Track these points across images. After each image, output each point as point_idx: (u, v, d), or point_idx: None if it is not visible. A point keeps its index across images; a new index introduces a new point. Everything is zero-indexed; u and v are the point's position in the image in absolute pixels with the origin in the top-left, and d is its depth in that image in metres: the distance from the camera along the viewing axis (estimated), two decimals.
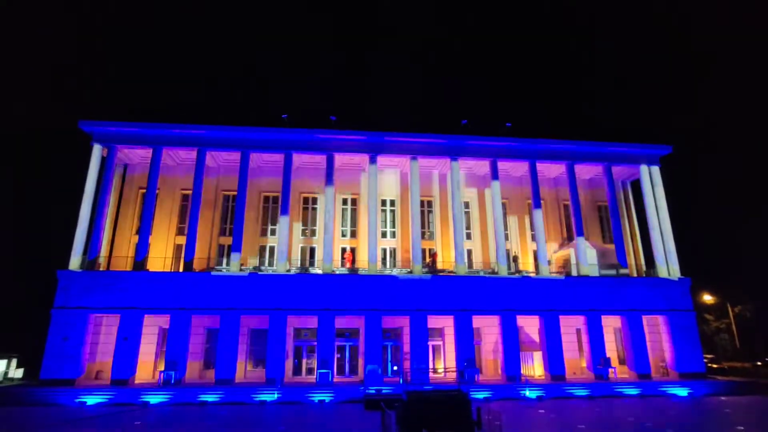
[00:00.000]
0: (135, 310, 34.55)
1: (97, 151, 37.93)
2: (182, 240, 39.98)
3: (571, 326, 40.34)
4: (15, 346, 41.77)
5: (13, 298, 51.86)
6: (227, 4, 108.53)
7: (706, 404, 30.28)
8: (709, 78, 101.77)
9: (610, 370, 36.38)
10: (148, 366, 36.61)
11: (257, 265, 39.53)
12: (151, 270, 36.82)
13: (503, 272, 38.78)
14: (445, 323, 39.65)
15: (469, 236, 43.33)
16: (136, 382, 34.61)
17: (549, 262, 40.56)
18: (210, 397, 31.28)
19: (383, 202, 43.70)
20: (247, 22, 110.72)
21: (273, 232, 41.95)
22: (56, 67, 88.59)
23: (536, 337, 40.48)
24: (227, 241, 40.85)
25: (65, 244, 36.12)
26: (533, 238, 42.33)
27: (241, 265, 37.71)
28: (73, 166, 41.78)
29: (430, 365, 38.05)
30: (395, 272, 38.84)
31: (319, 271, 37.79)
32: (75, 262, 35.29)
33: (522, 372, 36.61)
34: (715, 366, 42.17)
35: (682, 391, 34.37)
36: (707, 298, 52.94)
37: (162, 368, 34.98)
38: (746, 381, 36.99)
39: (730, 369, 42.50)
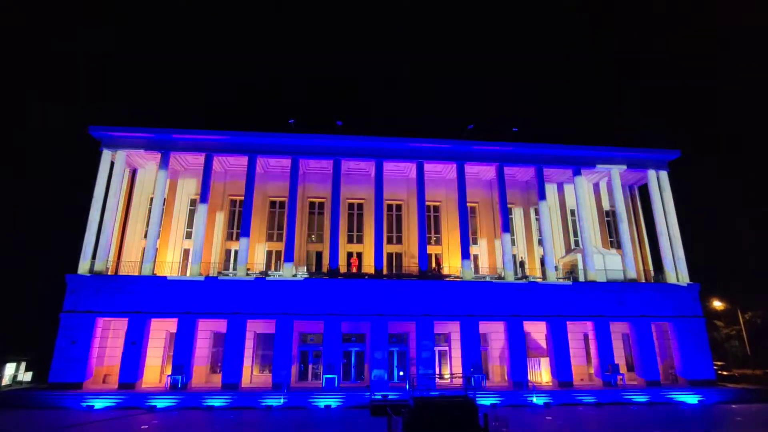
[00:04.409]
0: (142, 314, 34.75)
1: (106, 156, 38.32)
2: (190, 244, 40.25)
3: (579, 332, 40.04)
4: (24, 350, 42.11)
5: (22, 302, 52.33)
6: (233, 8, 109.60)
7: (717, 412, 29.89)
8: (719, 81, 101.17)
9: (619, 376, 36.00)
10: (155, 370, 36.75)
11: (264, 269, 39.62)
12: (158, 274, 37.08)
13: (510, 278, 38.62)
14: (452, 329, 39.50)
15: (475, 241, 43.22)
16: (143, 386, 34.74)
17: (556, 268, 40.33)
18: (216, 402, 31.33)
19: (389, 207, 43.76)
20: (250, 25, 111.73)
21: (280, 237, 42.10)
22: (66, 70, 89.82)
23: (543, 343, 40.20)
24: (234, 245, 41.03)
25: (74, 249, 36.49)
26: (540, 243, 42.14)
27: (248, 269, 37.84)
28: (83, 171, 42.23)
29: (437, 371, 37.89)
30: (401, 277, 38.74)
31: (326, 276, 37.82)
32: (84, 267, 35.60)
33: (529, 378, 36.35)
34: (725, 373, 41.49)
35: (692, 399, 33.94)
36: (717, 304, 52.26)
37: (169, 372, 35.14)
38: (758, 388, 36.42)
39: (740, 376, 41.80)
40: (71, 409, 29.98)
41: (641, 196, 45.96)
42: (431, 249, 42.08)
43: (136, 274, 36.49)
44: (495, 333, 39.69)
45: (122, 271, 37.96)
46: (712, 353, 38.39)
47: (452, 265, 41.39)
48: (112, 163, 38.78)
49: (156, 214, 37.76)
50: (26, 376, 40.17)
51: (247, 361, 37.13)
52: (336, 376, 34.32)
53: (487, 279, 39.25)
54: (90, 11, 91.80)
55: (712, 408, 31.69)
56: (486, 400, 31.66)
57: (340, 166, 40.03)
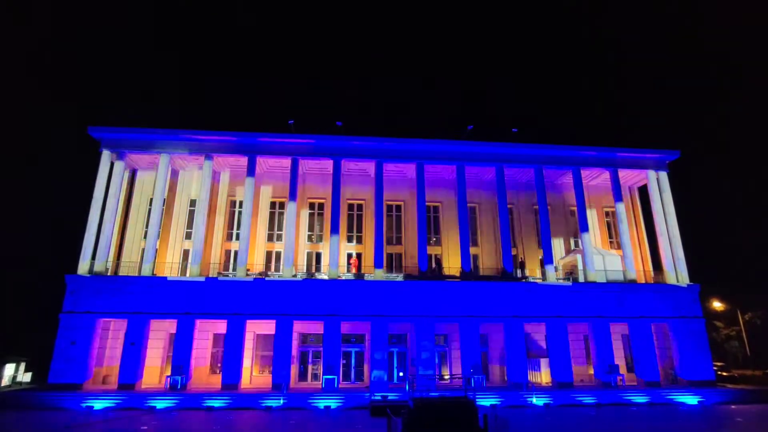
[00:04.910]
0: (142, 314, 34.72)
1: (105, 157, 38.29)
2: (189, 245, 40.22)
3: (579, 333, 40.03)
4: (23, 350, 42.09)
5: (22, 302, 52.30)
6: (232, 8, 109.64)
7: (717, 413, 29.88)
8: (718, 80, 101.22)
9: (618, 377, 35.98)
10: (154, 371, 36.71)
11: (264, 270, 39.60)
12: (158, 275, 37.06)
13: (509, 278, 38.59)
14: (452, 329, 39.49)
15: (475, 242, 43.20)
16: (143, 386, 34.72)
17: (556, 268, 40.31)
18: (216, 402, 31.32)
19: (390, 208, 43.75)
20: (249, 24, 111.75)
21: (279, 237, 42.10)
22: (66, 70, 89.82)
23: (543, 344, 40.18)
24: (234, 246, 41.01)
25: (74, 249, 36.48)
26: (540, 243, 42.14)
27: (248, 270, 37.82)
28: (83, 171, 42.22)
29: (437, 371, 37.88)
30: (401, 278, 38.78)
31: (325, 277, 37.82)
32: (83, 267, 35.57)
33: (529, 379, 36.33)
34: (725, 374, 41.46)
35: (692, 399, 33.93)
36: (717, 304, 52.33)
37: (168, 373, 35.11)
38: (757, 389, 36.41)
39: (740, 377, 41.81)
40: (71, 410, 29.95)
41: (641, 196, 45.96)
42: (431, 249, 42.07)
43: (136, 274, 36.47)
44: (495, 334, 39.68)
45: (122, 272, 37.94)
46: (712, 354, 38.38)
47: (452, 265, 41.36)
48: (112, 164, 38.77)
49: (156, 215, 37.71)
50: (26, 377, 40.13)
51: (247, 362, 37.13)
52: (336, 377, 34.28)
53: (487, 280, 39.17)
54: (90, 11, 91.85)
55: (712, 409, 31.69)
56: (486, 401, 31.64)
57: (340, 167, 40.01)
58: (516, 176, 44.05)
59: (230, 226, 42.26)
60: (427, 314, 36.45)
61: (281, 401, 31.65)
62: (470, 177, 42.96)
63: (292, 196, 39.05)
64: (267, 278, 36.90)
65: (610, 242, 45.03)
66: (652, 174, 42.15)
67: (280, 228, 42.38)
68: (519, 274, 41.62)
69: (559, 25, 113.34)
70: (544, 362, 38.48)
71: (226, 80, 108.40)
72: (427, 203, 42.01)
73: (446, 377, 37.75)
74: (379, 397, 31.15)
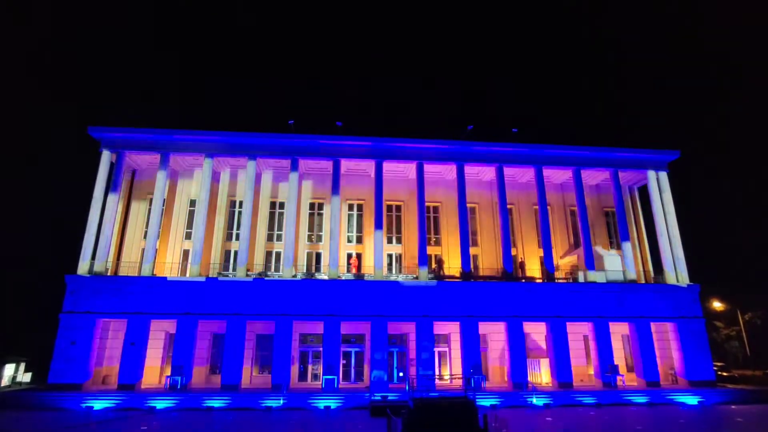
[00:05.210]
0: (142, 315, 34.70)
1: (105, 157, 38.27)
2: (189, 245, 40.20)
3: (579, 333, 39.99)
4: (23, 350, 42.09)
5: (22, 302, 52.29)
6: (232, 8, 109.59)
7: (717, 413, 29.88)
8: (718, 80, 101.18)
9: (618, 377, 35.96)
10: (154, 371, 36.71)
11: (263, 270, 39.59)
12: (158, 275, 37.04)
13: (509, 278, 38.58)
14: (452, 329, 39.48)
15: (475, 242, 43.18)
16: (143, 387, 34.70)
17: (556, 268, 40.26)
18: (216, 403, 31.31)
19: (389, 208, 43.73)
20: (251, 26, 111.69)
21: (279, 238, 42.08)
22: (66, 70, 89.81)
23: (543, 344, 40.17)
24: (234, 246, 41.00)
25: (74, 249, 36.48)
26: (540, 243, 42.12)
27: (248, 270, 37.81)
28: (83, 171, 42.23)
29: (437, 372, 37.85)
30: (401, 278, 38.77)
31: (325, 277, 37.80)
32: (83, 267, 35.56)
33: (529, 379, 36.30)
34: (725, 374, 41.43)
35: (692, 400, 33.92)
36: (717, 304, 52.33)
37: (168, 373, 35.08)
38: (758, 389, 36.39)
39: (740, 377, 41.80)
40: (71, 410, 29.96)
41: (641, 196, 45.94)
42: (431, 249, 42.04)
43: (136, 274, 36.45)
44: (494, 334, 39.64)
45: (122, 272, 37.93)
46: (712, 354, 38.35)
47: (452, 265, 41.34)
48: (112, 164, 38.77)
49: (155, 215, 37.68)
50: (26, 377, 40.10)
51: (247, 362, 37.08)
52: (335, 377, 34.27)
53: (487, 280, 39.14)
54: (90, 11, 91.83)
55: (712, 409, 31.68)
56: (486, 401, 31.64)
57: (339, 167, 39.99)
58: (516, 176, 44.02)
59: (230, 226, 42.21)
60: (427, 314, 36.43)
61: (281, 401, 31.64)
62: (470, 177, 42.92)
63: (292, 195, 39.04)
64: (267, 278, 36.90)
65: (610, 242, 44.99)
66: (652, 174, 42.12)
67: (280, 228, 42.36)
68: (519, 274, 41.59)
69: (559, 25, 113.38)
70: (544, 362, 38.44)
71: (226, 80, 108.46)
72: (427, 203, 41.98)
73: (446, 377, 37.73)
74: (379, 398, 31.15)
